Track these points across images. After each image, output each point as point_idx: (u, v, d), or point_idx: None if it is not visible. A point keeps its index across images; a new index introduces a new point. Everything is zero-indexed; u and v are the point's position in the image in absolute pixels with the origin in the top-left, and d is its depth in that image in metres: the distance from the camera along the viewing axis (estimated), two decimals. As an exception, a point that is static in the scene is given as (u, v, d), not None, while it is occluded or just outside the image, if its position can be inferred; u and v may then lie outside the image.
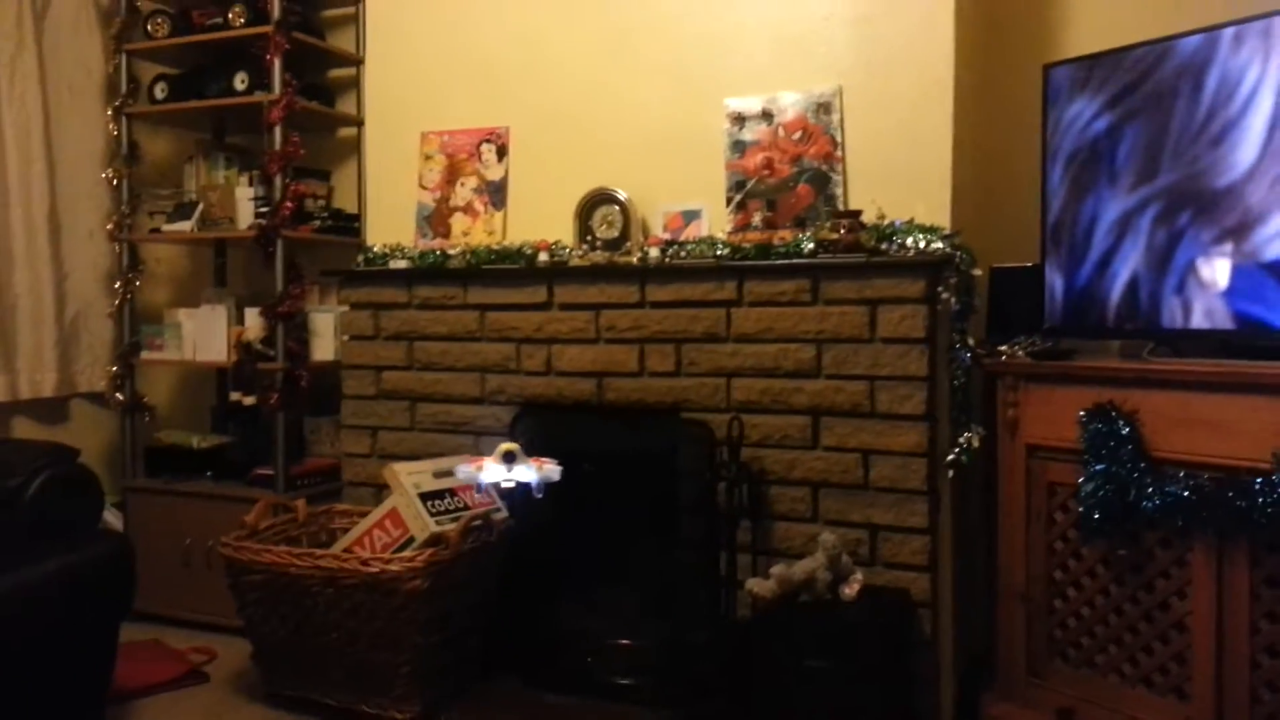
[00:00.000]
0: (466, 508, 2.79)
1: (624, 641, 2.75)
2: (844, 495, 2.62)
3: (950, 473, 2.51)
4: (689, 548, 2.77)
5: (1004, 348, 2.43)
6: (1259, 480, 1.88)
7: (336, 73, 3.71)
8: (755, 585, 2.47)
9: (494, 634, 2.86)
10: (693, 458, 2.78)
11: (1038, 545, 2.33)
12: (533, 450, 2.84)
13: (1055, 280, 2.42)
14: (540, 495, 2.59)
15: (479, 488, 2.80)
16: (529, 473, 2.59)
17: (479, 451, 2.89)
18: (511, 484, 2.59)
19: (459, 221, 3.24)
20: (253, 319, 3.41)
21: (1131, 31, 2.32)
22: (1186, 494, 2.00)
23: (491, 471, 2.60)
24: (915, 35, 2.59)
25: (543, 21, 3.10)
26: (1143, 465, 2.08)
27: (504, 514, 2.86)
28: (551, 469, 2.62)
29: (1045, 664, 2.32)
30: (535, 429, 3.00)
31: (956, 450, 2.47)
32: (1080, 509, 2.18)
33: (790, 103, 2.75)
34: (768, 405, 2.71)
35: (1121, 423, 2.12)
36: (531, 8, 3.12)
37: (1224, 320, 2.11)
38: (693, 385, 2.81)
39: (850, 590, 2.44)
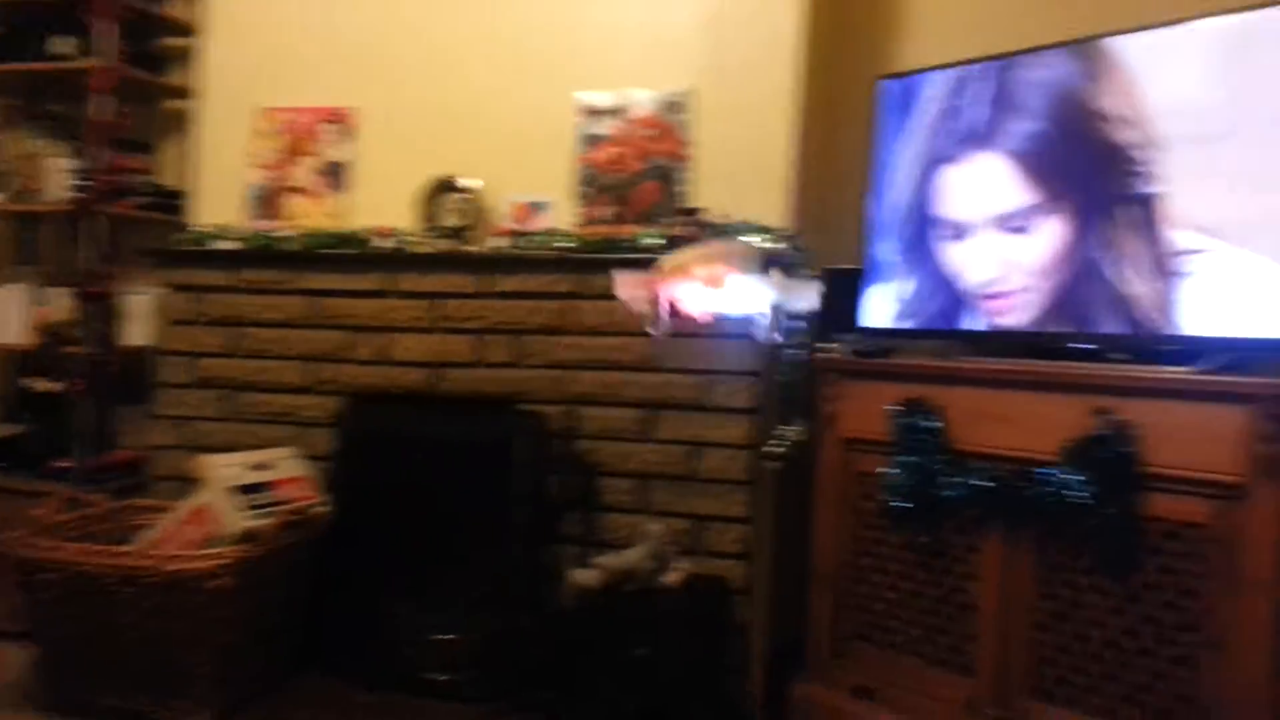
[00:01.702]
0: (285, 502, 2.68)
1: (445, 635, 2.69)
2: (673, 486, 2.67)
3: (771, 464, 2.60)
4: (520, 540, 2.75)
5: (829, 345, 2.54)
6: (1042, 472, 2.03)
7: (169, 42, 3.54)
8: (578, 575, 2.48)
9: (312, 631, 2.75)
10: (527, 449, 2.77)
11: (848, 533, 2.44)
12: (361, 443, 2.77)
13: (882, 278, 2.55)
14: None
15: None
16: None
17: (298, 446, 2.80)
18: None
19: (296, 203, 3.13)
20: (60, 300, 3.18)
21: (962, 48, 2.48)
22: (983, 484, 2.14)
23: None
24: (763, 43, 2.71)
25: (394, 8, 3.06)
26: (946, 457, 2.22)
27: (325, 507, 2.76)
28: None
29: (850, 646, 2.42)
30: (366, 419, 2.92)
31: (774, 442, 2.56)
32: (887, 497, 2.30)
33: (643, 99, 2.81)
34: (605, 398, 2.74)
35: (928, 416, 2.25)
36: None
37: (1033, 316, 2.26)
38: (530, 377, 2.81)
39: (671, 579, 2.48)
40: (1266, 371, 1.88)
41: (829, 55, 2.86)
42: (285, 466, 2.81)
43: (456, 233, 2.92)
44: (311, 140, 3.13)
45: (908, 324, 2.49)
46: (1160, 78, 2.08)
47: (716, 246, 2.04)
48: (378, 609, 2.75)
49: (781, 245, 2.55)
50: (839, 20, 2.90)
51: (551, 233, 2.83)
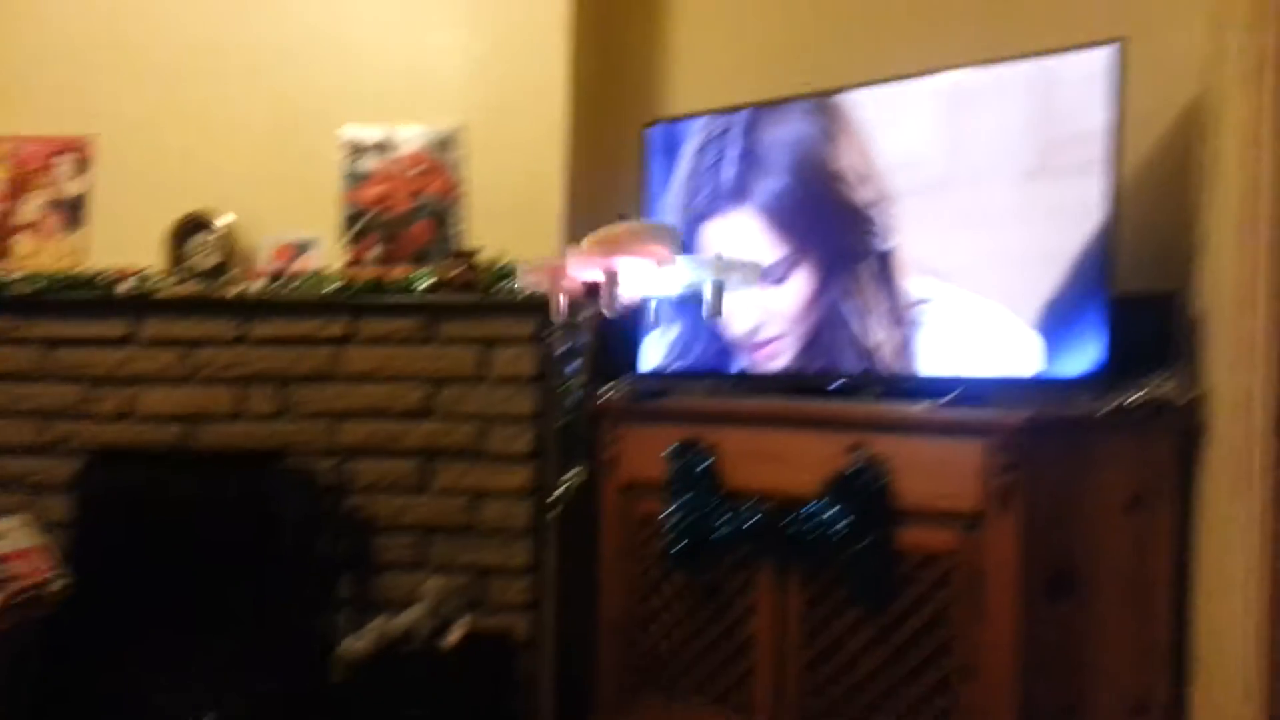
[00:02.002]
0: (15, 578, 2.38)
1: (203, 713, 2.45)
2: (453, 539, 2.58)
3: (554, 512, 2.55)
4: (287, 606, 2.56)
5: (608, 388, 2.53)
6: (806, 508, 2.09)
7: None
8: (347, 647, 2.34)
9: (45, 711, 2.45)
10: (294, 507, 2.59)
11: (633, 578, 2.42)
12: (105, 508, 2.51)
13: (658, 323, 2.57)
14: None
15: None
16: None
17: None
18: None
19: (24, 243, 2.82)
20: None
21: (722, 97, 2.55)
22: (754, 522, 2.18)
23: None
24: (533, 82, 2.68)
25: (140, 28, 2.82)
26: (718, 497, 2.24)
27: (63, 580, 2.47)
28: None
29: (636, 691, 2.40)
30: (109, 481, 2.65)
31: (560, 489, 2.51)
32: (665, 541, 2.31)
33: (411, 136, 2.72)
34: (377, 448, 2.61)
35: (702, 457, 2.28)
36: (127, 12, 2.83)
37: (791, 360, 2.35)
38: (297, 429, 2.64)
39: (452, 637, 2.38)
40: (1000, 406, 2.02)
41: (601, 97, 2.87)
42: (15, 537, 2.51)
43: (212, 274, 2.71)
44: (42, 173, 2.83)
45: (675, 368, 2.52)
46: (890, 132, 2.22)
47: (634, 225, 1.90)
48: (125, 688, 2.48)
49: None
50: (609, 63, 2.92)
51: (318, 274, 2.68)
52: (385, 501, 2.61)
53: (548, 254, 2.61)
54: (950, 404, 2.05)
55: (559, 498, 2.52)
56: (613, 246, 1.77)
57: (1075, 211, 1.97)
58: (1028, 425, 1.87)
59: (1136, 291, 2.02)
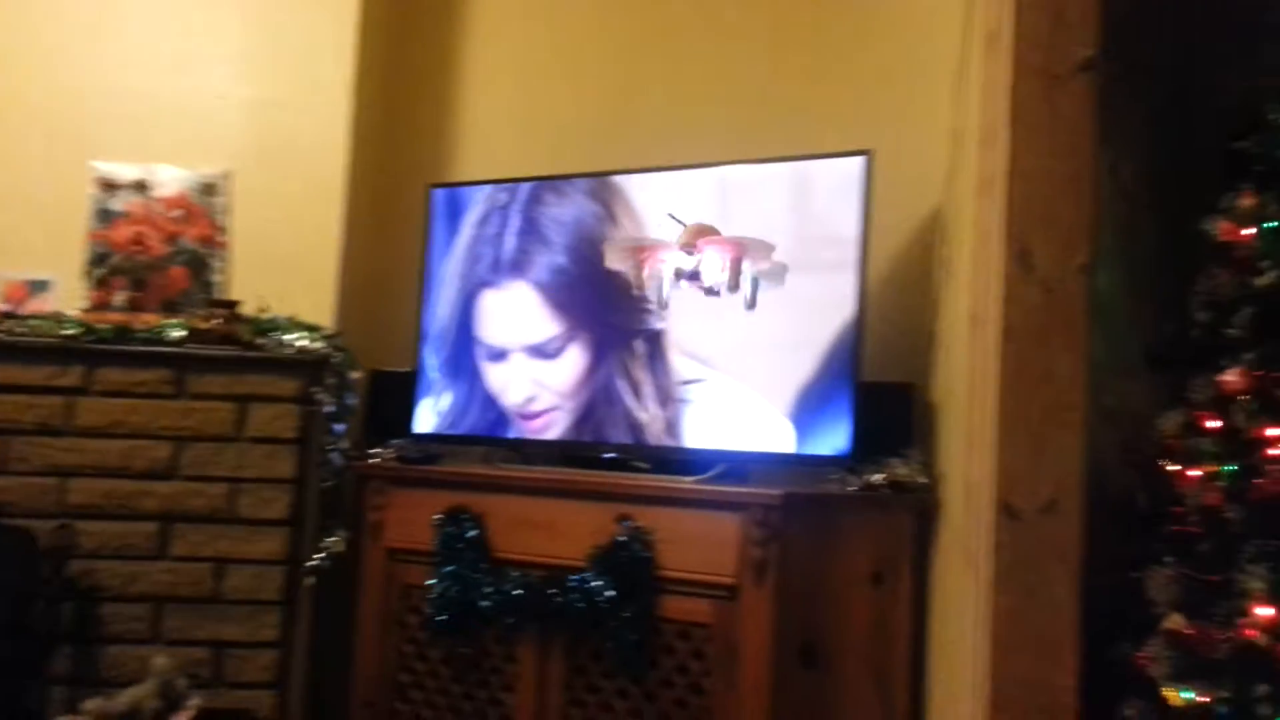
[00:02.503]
0: None
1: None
2: (192, 611, 2.37)
3: (310, 580, 2.41)
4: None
5: (376, 451, 2.43)
6: (573, 577, 2.09)
7: None
8: (60, 724, 2.09)
9: None
10: (7, 571, 2.30)
11: (392, 649, 2.32)
12: None
13: (432, 386, 2.51)
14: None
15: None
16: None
17: None
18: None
19: None
20: None
21: (506, 169, 2.57)
22: (518, 592, 2.15)
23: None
24: (311, 130, 2.59)
25: None
26: (485, 566, 2.20)
27: None
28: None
29: (388, 772, 2.28)
30: None
31: (319, 556, 2.38)
32: (429, 610, 2.23)
33: (171, 177, 2.54)
34: (110, 510, 2.38)
35: (470, 525, 2.23)
36: None
37: (564, 432, 2.35)
38: (17, 485, 2.36)
39: (181, 717, 2.17)
40: (758, 483, 2.11)
41: (386, 157, 2.82)
42: None
43: (-76, 311, 2.40)
44: None
45: (457, 430, 2.47)
46: (664, 218, 2.28)
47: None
48: None
49: (323, 345, 2.41)
50: (398, 124, 2.87)
51: (54, 317, 2.43)
52: (115, 568, 2.37)
53: (321, 311, 2.51)
54: (713, 479, 2.11)
55: (316, 565, 2.40)
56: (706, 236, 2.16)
57: (829, 304, 2.11)
58: (782, 501, 1.96)
59: (881, 381, 2.17)
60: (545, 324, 2.38)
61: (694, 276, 2.20)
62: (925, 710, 2.06)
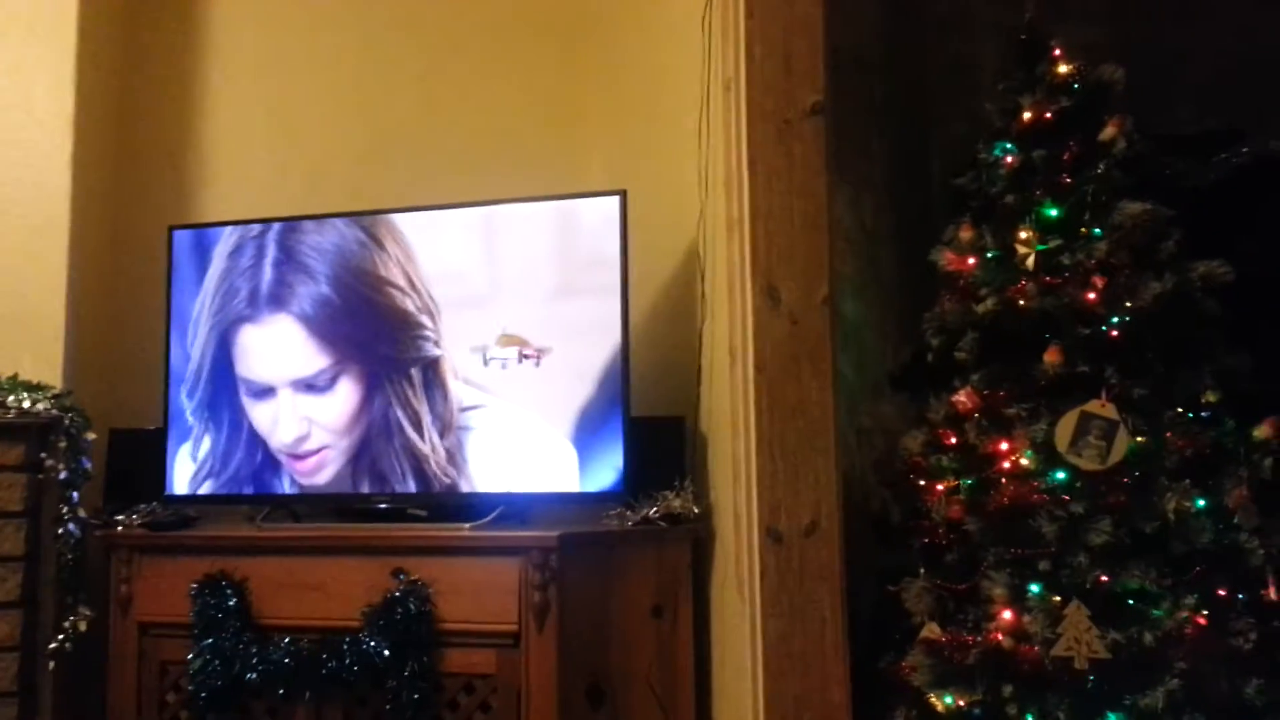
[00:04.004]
0: None
1: None
2: (-96, 714, 2.08)
3: (52, 664, 2.17)
4: None
5: (120, 517, 2.23)
6: (348, 639, 1.99)
7: None
8: None
9: None
10: None
11: (150, 733, 2.13)
12: None
13: (182, 444, 2.34)
14: None
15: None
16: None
17: None
18: None
19: None
20: None
21: (258, 208, 2.44)
22: (286, 661, 2.03)
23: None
24: (26, 172, 2.33)
25: None
26: (249, 635, 2.06)
27: None
28: None
29: None
30: None
31: (60, 638, 2.16)
32: (190, 687, 2.07)
33: None
34: None
35: (230, 592, 2.08)
36: None
37: (339, 472, 2.25)
38: None
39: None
40: (538, 523, 2.09)
41: (119, 198, 2.58)
42: None
43: None
44: None
45: (210, 485, 2.32)
46: (431, 251, 2.24)
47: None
48: None
49: (51, 406, 2.19)
50: (132, 161, 2.62)
51: None
52: None
53: (49, 368, 2.27)
54: (490, 524, 2.08)
55: (58, 648, 2.17)
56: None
57: (598, 340, 2.12)
58: (559, 542, 1.95)
59: (653, 415, 2.21)
60: (312, 357, 2.26)
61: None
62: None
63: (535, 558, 1.95)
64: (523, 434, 2.16)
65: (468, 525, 2.07)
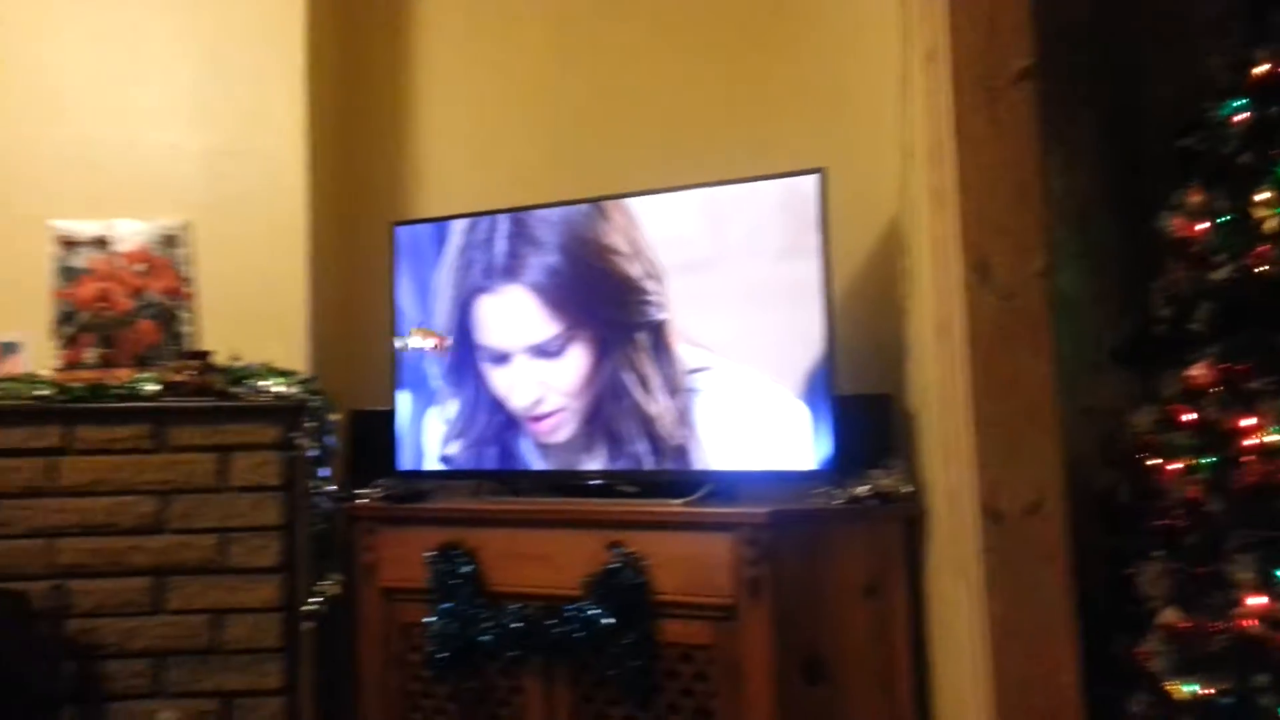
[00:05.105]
0: None
1: None
2: (193, 663, 2.37)
3: (308, 625, 2.42)
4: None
5: (362, 491, 2.44)
6: (569, 607, 2.11)
7: None
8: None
9: None
10: (4, 634, 2.29)
11: (396, 689, 2.34)
12: None
13: (435, 395, 2.49)
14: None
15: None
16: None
17: None
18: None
19: None
20: None
21: (476, 199, 2.57)
22: (517, 625, 2.17)
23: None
24: (267, 176, 2.56)
25: None
26: (481, 600, 2.22)
27: None
28: None
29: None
30: None
31: (314, 601, 2.39)
32: (430, 647, 2.25)
33: (130, 231, 2.51)
34: (102, 567, 2.37)
35: (463, 560, 2.24)
36: None
37: (550, 461, 2.36)
38: (6, 549, 2.36)
39: (195, 773, 2.19)
40: (746, 500, 2.14)
41: (345, 197, 2.79)
42: None
43: (-108, 382, 2.37)
44: None
45: (458, 445, 2.45)
46: (657, 227, 2.29)
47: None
48: None
49: (299, 390, 2.41)
50: (355, 163, 2.84)
51: (26, 378, 2.40)
52: (113, 625, 2.37)
53: (293, 356, 2.50)
54: (700, 500, 2.14)
55: (313, 610, 2.40)
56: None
57: (799, 322, 2.13)
58: (772, 519, 1.99)
59: (857, 394, 2.21)
60: (544, 324, 2.35)
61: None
62: (933, 717, 2.11)
63: (747, 533, 2.00)
64: (752, 391, 2.17)
65: (678, 501, 2.14)
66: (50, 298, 2.48)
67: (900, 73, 2.16)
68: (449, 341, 2.48)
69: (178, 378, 2.38)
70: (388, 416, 2.53)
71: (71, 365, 2.47)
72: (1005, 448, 1.86)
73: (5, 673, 2.25)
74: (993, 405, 1.86)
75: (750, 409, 2.18)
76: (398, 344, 2.52)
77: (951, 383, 1.91)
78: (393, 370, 2.53)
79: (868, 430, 2.15)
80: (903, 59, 2.15)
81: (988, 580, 1.83)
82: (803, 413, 2.12)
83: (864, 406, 2.18)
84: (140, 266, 2.50)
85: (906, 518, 2.11)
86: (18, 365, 2.46)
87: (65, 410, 2.37)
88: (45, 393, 2.38)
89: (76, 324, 2.49)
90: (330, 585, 2.41)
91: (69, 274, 2.49)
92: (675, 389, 2.24)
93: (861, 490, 2.07)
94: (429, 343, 2.47)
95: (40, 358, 2.47)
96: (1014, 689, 1.79)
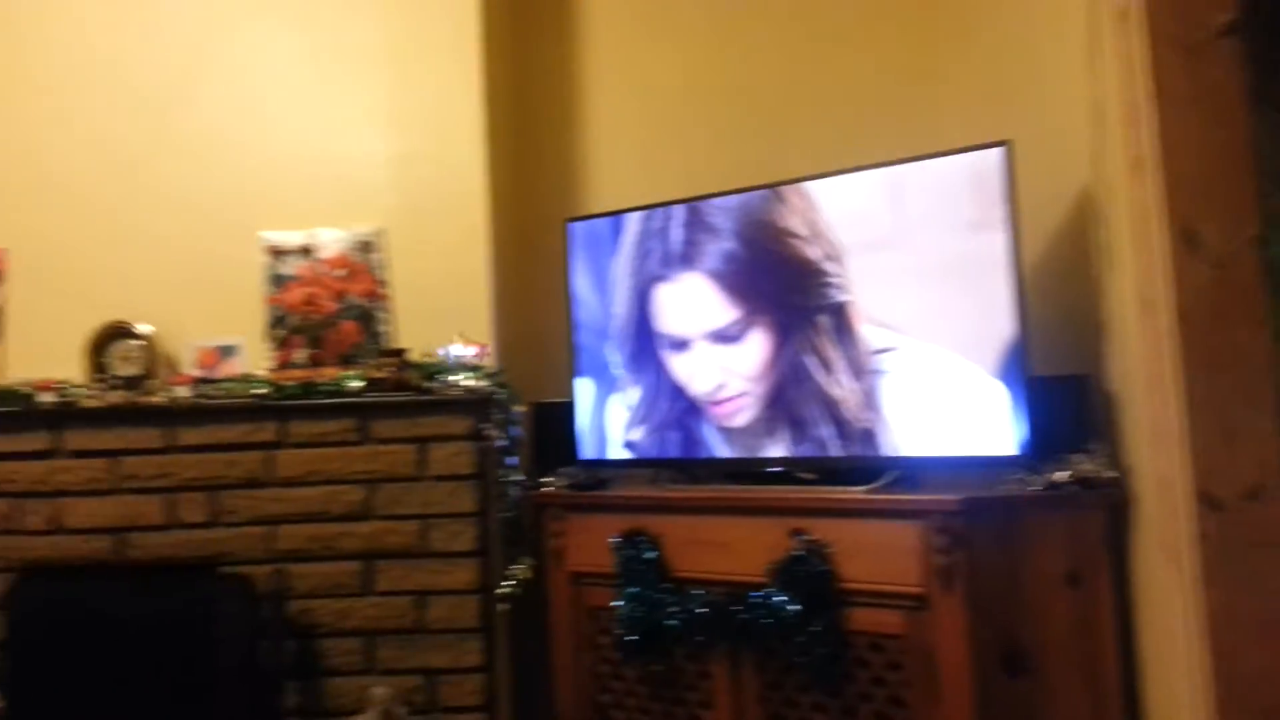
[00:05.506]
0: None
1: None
2: (400, 641, 2.53)
3: (503, 607, 2.53)
4: (231, 717, 2.48)
5: (547, 480, 2.53)
6: (754, 594, 2.12)
7: None
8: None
9: None
10: (232, 616, 2.51)
11: (586, 670, 2.42)
12: (36, 625, 2.38)
13: (617, 382, 2.55)
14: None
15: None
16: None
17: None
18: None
19: (-67, 358, 2.71)
20: None
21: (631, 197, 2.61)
22: (703, 610, 2.20)
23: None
24: (451, 180, 2.69)
25: (46, 141, 2.76)
26: (666, 585, 2.26)
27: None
28: None
29: (597, 788, 2.39)
30: (39, 598, 2.54)
31: (508, 584, 2.51)
32: (618, 631, 2.31)
33: (331, 239, 2.69)
34: (317, 552, 2.56)
35: (648, 546, 2.29)
36: (35, 122, 2.77)
37: (728, 449, 2.38)
38: (232, 536, 2.58)
39: (407, 745, 2.34)
40: (932, 486, 2.08)
41: (521, 197, 2.91)
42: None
43: (133, 383, 2.63)
44: (-51, 287, 2.73)
45: (641, 431, 2.50)
46: (836, 209, 2.25)
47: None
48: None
49: (487, 383, 2.52)
50: (528, 164, 2.96)
51: (244, 378, 2.62)
52: (328, 606, 2.56)
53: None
54: (884, 487, 2.10)
55: (507, 592, 2.52)
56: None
57: (988, 300, 2.05)
58: (964, 506, 1.94)
59: (1052, 375, 2.11)
60: (723, 310, 2.37)
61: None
62: (1143, 712, 2.00)
63: (938, 521, 1.95)
64: (942, 371, 2.11)
65: (861, 487, 2.11)
66: (263, 304, 2.69)
67: (1087, 35, 2.04)
68: (490, 347, 2.59)
69: (378, 374, 2.55)
70: (568, 407, 2.61)
71: (284, 365, 2.67)
72: (1220, 430, 1.74)
73: (238, 651, 2.47)
74: (1205, 384, 1.74)
75: (939, 391, 2.11)
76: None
77: (1158, 361, 1.80)
78: (572, 362, 2.61)
79: (1064, 413, 2.05)
80: (1089, 20, 2.03)
81: (1205, 569, 1.72)
82: (997, 394, 2.04)
83: (1060, 387, 2.08)
84: (341, 271, 2.68)
85: (1110, 504, 2.00)
86: (236, 366, 2.68)
87: (280, 407, 2.57)
88: (262, 391, 2.59)
89: (287, 327, 2.69)
90: (522, 569, 2.52)
91: (278, 281, 2.70)
92: (860, 371, 2.20)
93: (1061, 476, 1.98)
94: (470, 351, 2.55)
95: (255, 359, 2.68)
96: (1241, 683, 1.67)
